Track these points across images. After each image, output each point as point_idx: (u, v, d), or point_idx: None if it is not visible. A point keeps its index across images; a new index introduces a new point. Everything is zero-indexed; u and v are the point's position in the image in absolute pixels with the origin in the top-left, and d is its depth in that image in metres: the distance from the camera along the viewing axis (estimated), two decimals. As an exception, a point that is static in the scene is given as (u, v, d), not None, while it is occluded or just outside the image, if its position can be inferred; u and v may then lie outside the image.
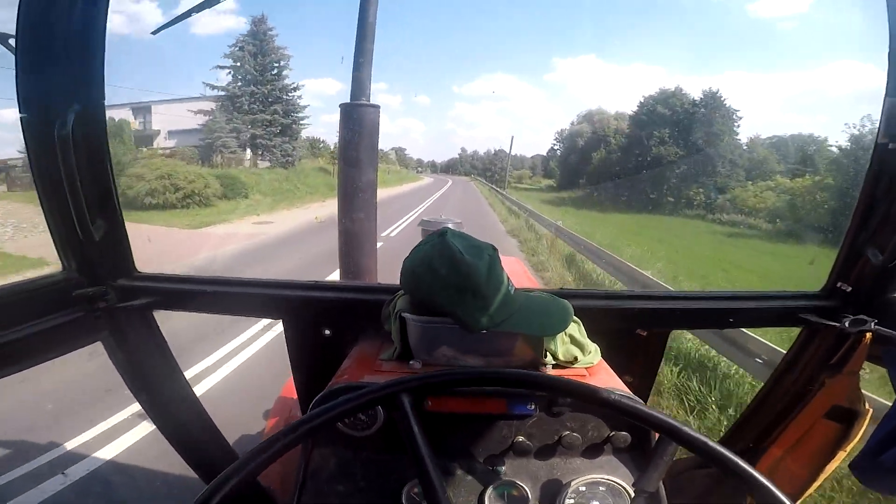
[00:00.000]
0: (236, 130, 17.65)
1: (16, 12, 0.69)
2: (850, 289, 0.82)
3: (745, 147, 21.75)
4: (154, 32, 0.90)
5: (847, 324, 0.77)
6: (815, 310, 0.85)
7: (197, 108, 17.45)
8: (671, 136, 24.57)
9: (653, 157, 24.08)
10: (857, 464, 0.75)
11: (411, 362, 0.71)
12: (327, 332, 0.89)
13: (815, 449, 0.82)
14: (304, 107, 20.15)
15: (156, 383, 0.91)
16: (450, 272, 0.62)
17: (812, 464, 0.82)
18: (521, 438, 0.66)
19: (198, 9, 0.88)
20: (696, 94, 26.29)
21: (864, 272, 0.81)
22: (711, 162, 21.40)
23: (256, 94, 18.11)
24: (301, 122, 20.13)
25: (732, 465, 0.41)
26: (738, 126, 24.96)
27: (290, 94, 19.43)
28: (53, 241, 0.78)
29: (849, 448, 0.80)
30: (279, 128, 18.38)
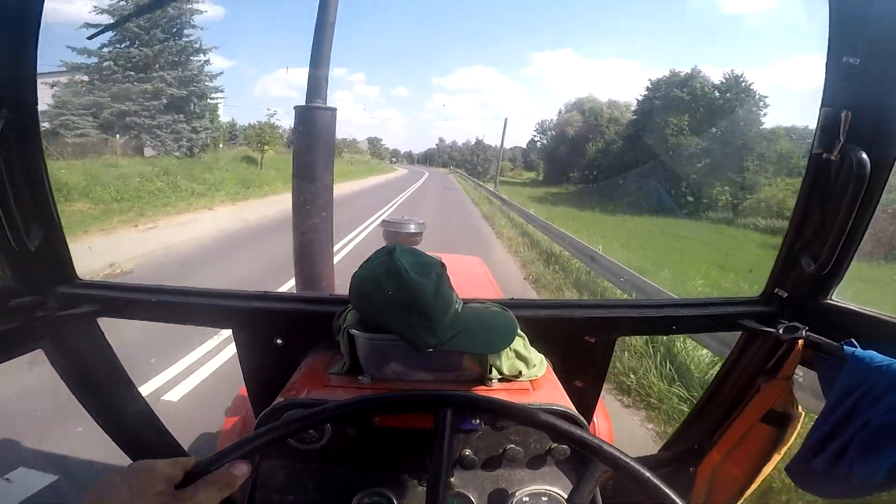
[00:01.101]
0: (96, 106, 13.56)
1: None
2: (786, 295, 0.96)
3: (767, 138, 20.09)
4: (90, 38, 0.95)
5: (781, 330, 0.90)
6: (753, 315, 0.98)
7: (53, 81, 13.35)
8: (690, 124, 22.61)
9: (668, 149, 22.04)
10: (792, 467, 0.88)
11: (360, 377, 0.79)
12: (279, 341, 0.97)
13: (752, 452, 0.96)
14: (216, 75, 16.20)
15: (103, 389, 0.97)
16: (397, 292, 0.69)
17: (749, 467, 0.95)
18: (467, 452, 0.75)
19: (136, 14, 0.95)
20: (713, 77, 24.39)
21: (799, 279, 0.94)
22: (738, 155, 19.38)
23: (135, 59, 13.82)
24: (212, 96, 16.46)
25: (648, 485, 0.50)
26: (766, 115, 23.10)
27: (191, 59, 15.29)
28: None
29: (783, 451, 0.93)
30: (166, 102, 14.33)
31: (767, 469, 0.94)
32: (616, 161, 26.96)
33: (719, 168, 19.36)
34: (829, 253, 0.85)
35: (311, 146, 1.20)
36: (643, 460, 0.56)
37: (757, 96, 22.58)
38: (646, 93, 27.47)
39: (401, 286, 0.68)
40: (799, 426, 0.93)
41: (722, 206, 18.34)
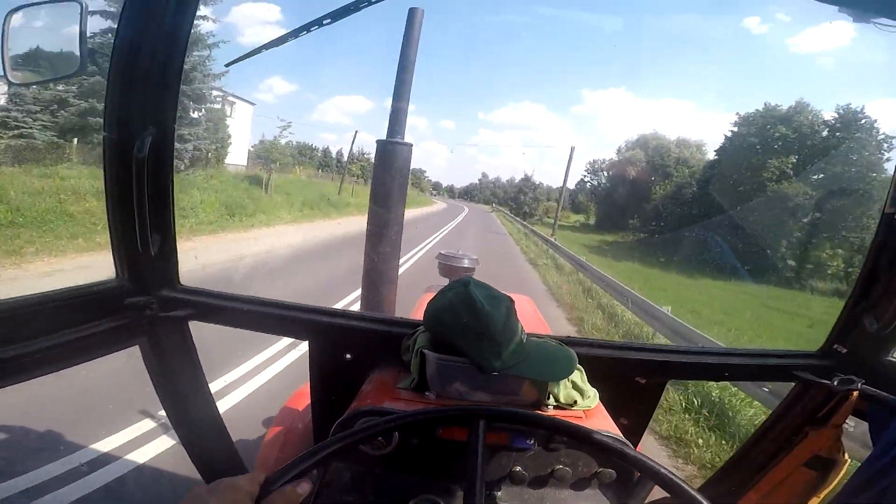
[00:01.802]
0: (59, 103, 12.13)
1: (112, 38, 0.87)
2: (845, 350, 1.05)
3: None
4: (228, 65, 1.22)
5: (836, 382, 0.98)
6: (809, 368, 1.07)
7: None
8: (795, 168, 19.24)
9: (765, 197, 18.58)
10: None
11: (427, 393, 0.94)
12: (348, 356, 1.13)
13: (792, 495, 1.03)
14: (220, 74, 14.52)
15: (181, 390, 1.14)
16: (470, 319, 0.84)
17: None
18: (518, 468, 0.86)
19: (269, 46, 1.19)
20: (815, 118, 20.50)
21: (859, 337, 1.03)
22: (852, 209, 16.35)
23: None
24: (215, 99, 15.04)
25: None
26: (889, 160, 19.03)
27: (192, 53, 13.40)
28: (112, 250, 1.00)
29: (822, 494, 1.01)
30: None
31: None
32: (687, 209, 24.54)
33: (830, 224, 16.61)
34: (893, 314, 0.94)
35: (389, 178, 1.43)
36: None
37: (881, 135, 18.81)
38: (734, 129, 24.19)
39: (474, 315, 0.84)
40: (843, 472, 1.00)
41: (831, 275, 15.68)
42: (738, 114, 25.14)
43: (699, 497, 0.57)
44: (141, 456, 2.56)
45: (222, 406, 2.91)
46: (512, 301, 0.90)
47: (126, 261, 1.00)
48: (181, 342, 1.12)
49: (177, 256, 1.09)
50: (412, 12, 1.43)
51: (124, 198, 0.93)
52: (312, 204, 18.33)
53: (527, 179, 54.53)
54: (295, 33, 1.03)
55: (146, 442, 2.68)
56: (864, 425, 1.00)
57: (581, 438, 0.70)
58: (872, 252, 0.98)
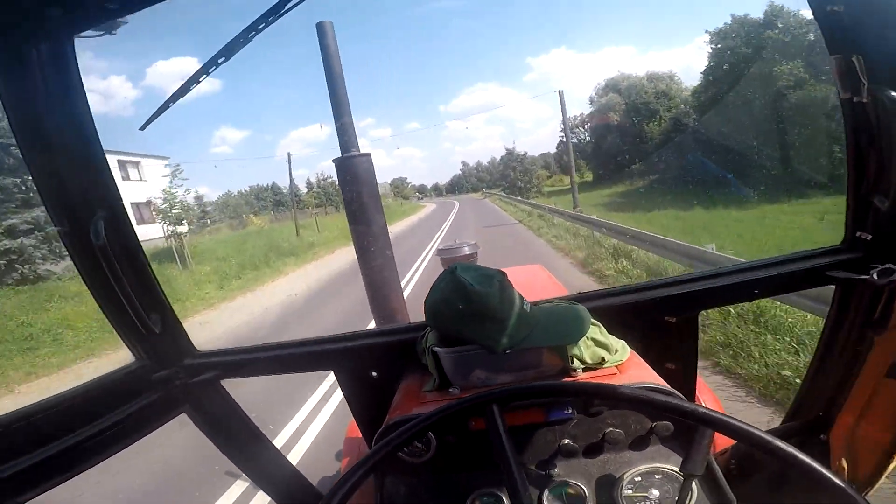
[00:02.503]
0: None
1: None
2: (870, 237, 1.02)
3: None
4: (142, 128, 1.22)
5: (876, 275, 0.94)
6: (840, 264, 1.05)
7: None
8: (807, 70, 17.95)
9: (795, 107, 17.29)
10: None
11: (451, 389, 0.98)
12: (374, 373, 1.24)
13: (890, 410, 0.98)
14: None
15: (239, 442, 1.28)
16: (465, 304, 0.88)
17: (892, 426, 0.97)
18: (566, 441, 0.90)
19: (174, 98, 1.22)
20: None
21: (877, 218, 1.00)
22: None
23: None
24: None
25: (767, 445, 0.56)
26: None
27: None
28: (121, 337, 1.10)
29: None
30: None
31: None
32: (693, 139, 24.27)
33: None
34: None
35: (358, 193, 1.47)
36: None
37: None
38: (712, 47, 24.50)
39: (468, 298, 0.88)
40: None
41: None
42: (707, 31, 25.48)
43: (758, 433, 0.57)
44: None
45: (296, 454, 3.66)
46: (503, 274, 0.93)
47: (136, 344, 1.11)
48: (220, 400, 1.26)
49: (182, 326, 1.21)
50: (321, 27, 1.49)
51: (103, 284, 1.00)
52: (256, 263, 15.34)
53: (510, 154, 52.21)
54: (195, 79, 1.04)
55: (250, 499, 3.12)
56: None
57: (605, 396, 0.72)
58: (850, 136, 0.99)
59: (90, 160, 0.97)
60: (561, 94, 21.81)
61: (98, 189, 0.99)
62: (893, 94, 0.87)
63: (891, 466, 1.01)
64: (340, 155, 1.47)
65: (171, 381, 1.15)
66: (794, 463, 0.55)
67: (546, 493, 0.89)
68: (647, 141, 30.66)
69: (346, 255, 15.67)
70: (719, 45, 24.20)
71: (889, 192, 0.95)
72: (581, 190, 34.93)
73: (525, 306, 0.93)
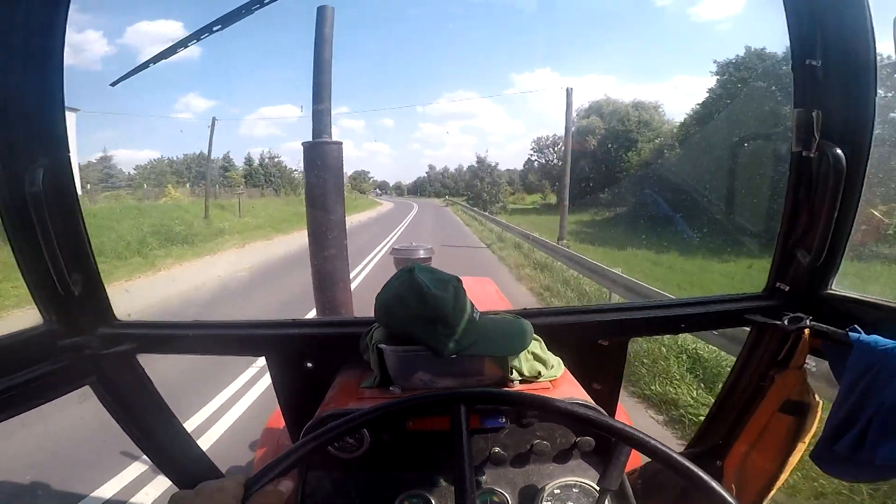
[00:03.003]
0: None
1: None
2: (787, 288, 1.23)
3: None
4: (113, 84, 1.24)
5: (787, 321, 1.15)
6: (758, 310, 1.25)
7: None
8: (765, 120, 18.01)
9: (742, 157, 16.90)
10: (816, 454, 1.10)
11: (391, 388, 1.03)
12: (309, 364, 1.26)
13: (777, 442, 1.20)
14: None
15: (146, 422, 1.26)
16: (419, 305, 0.93)
17: (777, 456, 1.20)
18: (496, 449, 0.97)
19: (157, 59, 1.28)
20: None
21: (797, 272, 1.21)
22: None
23: None
24: None
25: (676, 464, 0.64)
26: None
27: None
28: (31, 294, 1.07)
29: (807, 439, 1.18)
30: None
31: (795, 458, 1.19)
32: (655, 176, 24.85)
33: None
34: (820, 244, 1.11)
35: (322, 180, 1.55)
36: None
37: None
38: (718, 77, 24.46)
39: (423, 300, 0.94)
40: (819, 413, 1.18)
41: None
42: (715, 62, 25.67)
43: (670, 452, 0.66)
44: (146, 497, 2.94)
45: (208, 438, 3.67)
46: (459, 280, 1.00)
47: (49, 304, 1.09)
48: (133, 377, 1.25)
49: (105, 292, 1.20)
50: (321, 11, 1.56)
51: (27, 237, 0.99)
52: (119, 250, 12.17)
53: (481, 162, 50.52)
54: (183, 43, 1.10)
55: (146, 482, 3.07)
56: (825, 364, 1.15)
57: (563, 413, 0.77)
58: (790, 189, 1.17)
59: (45, 105, 1.00)
60: (568, 94, 18.21)
61: (46, 136, 1.01)
62: (839, 151, 1.03)
63: (771, 493, 1.23)
64: (311, 139, 1.56)
65: (80, 351, 1.13)
66: (701, 485, 0.63)
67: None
68: (622, 171, 31.14)
69: (264, 251, 13.87)
70: (726, 77, 24.71)
71: (811, 247, 1.14)
72: (543, 212, 35.07)
73: (475, 314, 1.00)
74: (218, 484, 0.62)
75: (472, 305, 1.01)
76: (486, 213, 28.70)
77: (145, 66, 1.28)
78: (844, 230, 1.12)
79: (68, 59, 1.05)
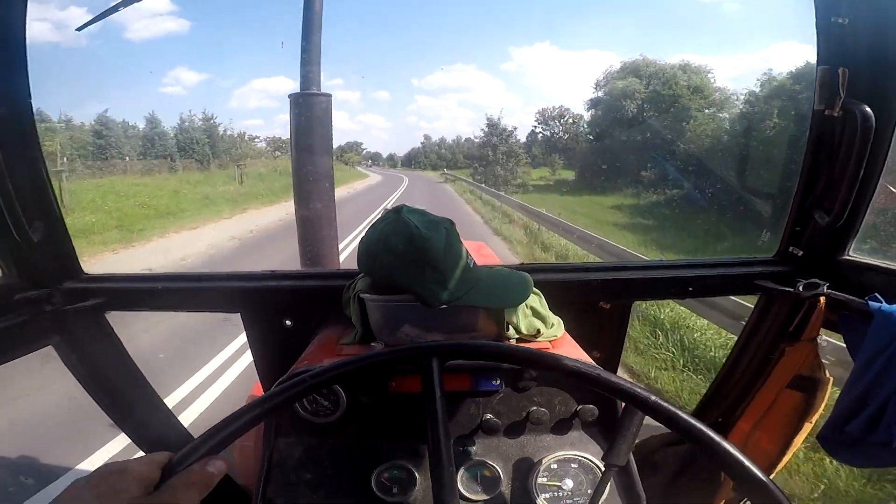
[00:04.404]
0: None
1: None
2: (801, 252, 1.36)
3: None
4: (79, 29, 1.41)
5: (801, 288, 1.26)
6: (769, 275, 1.39)
7: None
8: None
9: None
10: (824, 435, 1.20)
11: (373, 344, 1.10)
12: (288, 322, 1.38)
13: (782, 421, 1.36)
14: None
15: (114, 385, 1.38)
16: (407, 248, 0.98)
17: (781, 436, 1.36)
18: (489, 416, 1.04)
19: (125, 3, 1.44)
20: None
21: (814, 235, 1.33)
22: None
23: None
24: None
25: (699, 434, 0.65)
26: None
27: None
28: None
29: (814, 418, 1.32)
30: None
31: (799, 439, 1.34)
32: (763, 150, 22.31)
33: None
34: (841, 206, 1.22)
35: (310, 131, 1.73)
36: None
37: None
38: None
39: (411, 242, 0.98)
40: (829, 391, 1.30)
41: None
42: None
43: (695, 422, 0.67)
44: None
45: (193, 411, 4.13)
46: (452, 223, 1.07)
47: (7, 254, 1.19)
48: (101, 335, 1.37)
49: (71, 243, 1.32)
50: None
51: None
52: None
53: (493, 127, 44.35)
54: None
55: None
56: (836, 341, 1.29)
57: (555, 367, 0.78)
58: (810, 148, 1.31)
59: (7, 49, 1.11)
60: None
61: (4, 82, 1.12)
62: (867, 109, 1.13)
63: (773, 475, 1.37)
64: (299, 91, 1.73)
65: (41, 306, 1.21)
66: (739, 469, 0.64)
67: (461, 471, 1.03)
68: (671, 144, 29.52)
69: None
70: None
71: (831, 209, 1.25)
72: (563, 191, 33.37)
73: (469, 262, 1.07)
74: (122, 466, 0.60)
75: (467, 252, 1.08)
76: (502, 194, 24.05)
77: (115, 9, 1.41)
78: (868, 192, 1.24)
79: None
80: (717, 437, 0.66)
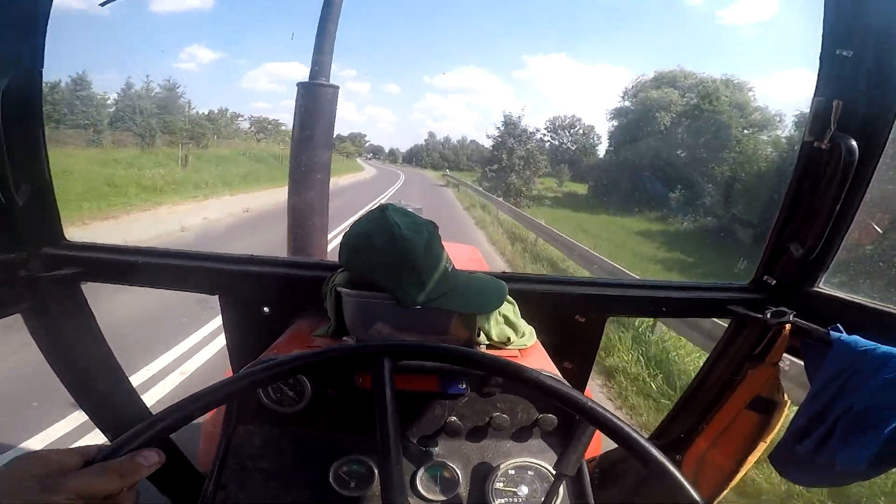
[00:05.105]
0: None
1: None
2: (774, 282, 1.54)
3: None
4: (102, 4, 1.49)
5: (769, 315, 1.41)
6: (742, 301, 1.57)
7: None
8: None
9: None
10: (776, 455, 1.37)
11: (345, 338, 1.20)
12: (266, 309, 1.51)
13: (738, 440, 1.55)
14: None
15: (82, 362, 1.48)
16: (387, 247, 1.08)
17: (735, 455, 1.55)
18: (453, 419, 1.16)
19: None
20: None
21: (787, 265, 1.49)
22: None
23: None
24: None
25: (644, 452, 0.74)
26: None
27: None
28: None
29: (768, 439, 1.50)
30: None
31: (753, 458, 1.54)
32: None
33: None
34: (816, 239, 1.36)
35: (313, 121, 1.93)
36: None
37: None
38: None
39: (392, 242, 1.09)
40: (784, 413, 1.48)
41: None
42: None
43: (640, 440, 0.75)
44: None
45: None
46: (435, 227, 1.19)
47: None
48: (74, 306, 1.46)
49: (56, 209, 1.41)
50: None
51: None
52: None
53: (511, 125, 40.94)
54: None
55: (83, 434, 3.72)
56: (799, 366, 1.42)
57: (509, 374, 0.88)
58: (794, 179, 1.45)
59: (28, 15, 1.22)
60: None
61: (20, 48, 1.24)
62: (853, 143, 1.24)
63: (724, 492, 1.60)
64: (308, 80, 1.93)
65: (13, 271, 1.29)
66: (670, 481, 0.74)
67: (421, 470, 1.16)
68: (708, 165, 28.63)
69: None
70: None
71: (806, 241, 1.41)
72: (569, 205, 32.30)
73: (448, 266, 1.17)
74: (43, 455, 0.63)
75: (448, 257, 1.19)
76: (515, 208, 21.52)
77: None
78: (843, 227, 1.37)
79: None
80: (661, 457, 0.75)
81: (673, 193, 28.48)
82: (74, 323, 1.48)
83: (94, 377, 1.53)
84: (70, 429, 3.86)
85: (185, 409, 0.75)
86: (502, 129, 40.85)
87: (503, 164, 38.72)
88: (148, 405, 1.75)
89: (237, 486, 1.12)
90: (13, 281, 1.30)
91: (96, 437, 3.05)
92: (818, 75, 1.34)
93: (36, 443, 3.68)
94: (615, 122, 41.87)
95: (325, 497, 1.12)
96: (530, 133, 41.24)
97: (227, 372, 2.07)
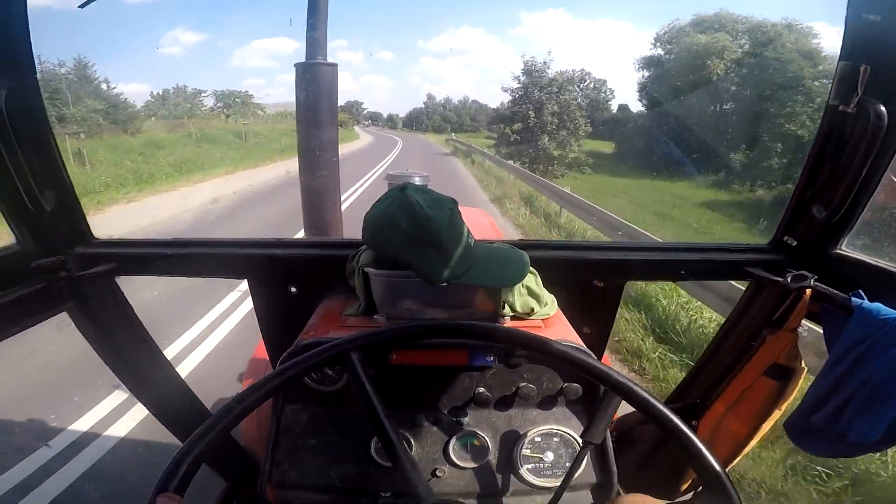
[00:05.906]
0: None
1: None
2: (795, 243, 1.64)
3: None
4: (81, 6, 1.54)
5: (790, 279, 1.50)
6: (761, 263, 1.69)
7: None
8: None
9: None
10: (790, 424, 1.46)
11: (375, 316, 1.37)
12: (293, 289, 1.72)
13: (754, 407, 1.69)
14: None
15: (125, 350, 1.72)
16: (410, 226, 1.20)
17: (751, 422, 1.68)
18: (481, 390, 1.31)
19: None
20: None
21: (809, 227, 1.58)
22: None
23: None
24: None
25: (666, 421, 0.87)
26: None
27: None
28: (3, 215, 1.39)
29: (784, 406, 1.62)
30: None
31: (768, 425, 1.67)
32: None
33: None
34: (840, 201, 1.44)
35: (315, 101, 2.09)
36: None
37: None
38: None
39: (415, 220, 1.20)
40: (801, 381, 1.59)
41: None
42: None
43: (663, 409, 0.88)
44: (123, 429, 4.32)
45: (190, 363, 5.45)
46: (455, 202, 1.31)
47: (21, 222, 1.44)
48: (112, 300, 1.70)
49: (82, 210, 1.61)
50: None
51: None
52: None
53: (539, 74, 34.74)
54: None
55: (123, 412, 4.49)
56: (817, 333, 1.51)
57: (484, 336, 1.07)
58: (818, 141, 1.53)
59: (6, 25, 1.28)
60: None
61: (8, 57, 1.31)
62: (881, 108, 1.31)
63: (738, 459, 1.75)
64: (305, 61, 2.09)
65: (56, 272, 1.47)
66: (691, 450, 0.86)
67: (453, 440, 1.32)
68: (777, 122, 26.55)
69: None
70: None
71: (830, 203, 1.48)
72: (604, 168, 30.97)
73: (470, 241, 1.28)
74: None
75: (469, 231, 1.31)
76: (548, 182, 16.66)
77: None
78: (868, 189, 1.44)
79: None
80: (682, 426, 0.88)
81: (734, 154, 26.87)
82: (115, 315, 1.71)
83: (135, 360, 1.78)
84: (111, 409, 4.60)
85: (273, 382, 0.98)
86: (524, 78, 35.43)
87: (529, 124, 33.57)
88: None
89: (289, 464, 1.31)
90: (55, 282, 1.50)
91: (138, 413, 4.39)
92: (843, 39, 1.41)
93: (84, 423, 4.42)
94: (646, 73, 40.87)
95: (367, 468, 1.31)
96: (560, 84, 35.48)
97: (259, 345, 2.41)
